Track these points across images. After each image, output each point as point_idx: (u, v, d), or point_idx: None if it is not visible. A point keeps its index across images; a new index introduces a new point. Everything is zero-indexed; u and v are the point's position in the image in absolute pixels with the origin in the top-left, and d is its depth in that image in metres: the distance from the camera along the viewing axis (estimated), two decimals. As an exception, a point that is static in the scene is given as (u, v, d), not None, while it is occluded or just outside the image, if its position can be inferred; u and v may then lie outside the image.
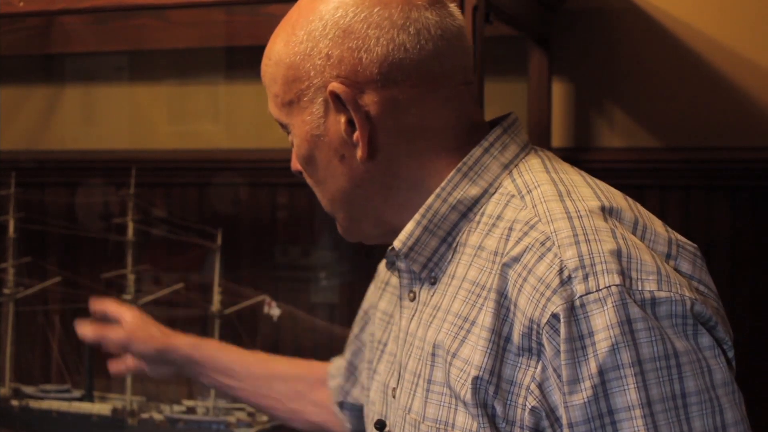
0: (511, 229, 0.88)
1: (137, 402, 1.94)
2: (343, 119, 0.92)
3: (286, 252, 1.94)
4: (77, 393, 1.99)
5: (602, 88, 1.72)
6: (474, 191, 0.93)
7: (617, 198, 0.90)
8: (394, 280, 1.07)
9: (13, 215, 2.05)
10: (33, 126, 2.13)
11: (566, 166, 0.96)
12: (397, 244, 0.95)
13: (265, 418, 1.87)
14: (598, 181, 0.93)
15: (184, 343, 1.32)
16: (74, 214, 2.07)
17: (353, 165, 0.94)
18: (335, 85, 0.91)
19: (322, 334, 1.92)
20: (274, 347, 1.92)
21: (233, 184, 1.98)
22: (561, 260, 0.81)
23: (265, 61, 0.98)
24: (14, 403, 1.98)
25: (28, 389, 2.01)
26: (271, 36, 0.97)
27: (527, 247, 0.84)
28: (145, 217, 1.99)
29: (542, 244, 0.84)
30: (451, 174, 0.93)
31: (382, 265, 1.18)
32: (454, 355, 0.88)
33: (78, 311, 2.03)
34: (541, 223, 0.85)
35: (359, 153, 0.92)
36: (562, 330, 0.79)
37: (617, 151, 1.72)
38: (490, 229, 0.90)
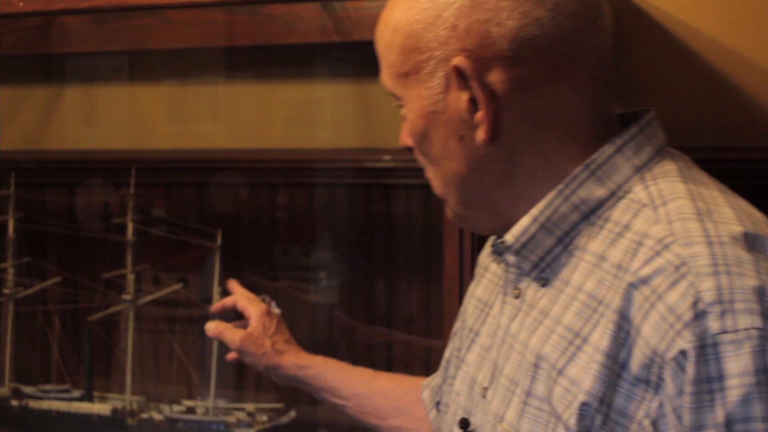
0: (640, 243, 0.80)
1: (137, 402, 1.94)
2: (465, 97, 0.84)
3: (286, 252, 1.94)
4: (77, 393, 1.99)
5: (602, 88, 1.72)
6: (600, 192, 0.85)
7: (761, 224, 0.81)
8: (495, 266, 1.00)
9: (13, 215, 2.04)
10: (33, 126, 2.13)
11: (705, 177, 0.88)
12: (509, 238, 0.88)
13: (265, 417, 1.87)
14: (740, 200, 0.85)
15: (290, 364, 1.29)
16: (74, 214, 2.07)
17: (472, 147, 0.86)
18: (460, 60, 0.83)
19: (321, 332, 1.92)
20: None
21: (233, 184, 1.98)
22: (697, 291, 0.74)
23: (381, 27, 0.90)
24: (14, 403, 1.98)
25: (28, 389, 2.01)
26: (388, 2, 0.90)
27: (658, 269, 0.77)
28: (145, 217, 1.99)
29: (676, 269, 0.76)
30: (578, 170, 0.85)
31: (484, 255, 1.11)
32: (560, 372, 0.81)
33: (78, 311, 2.03)
34: (677, 245, 0.77)
35: (480, 135, 0.85)
36: (690, 369, 0.72)
37: (617, 151, 1.72)
38: (615, 238, 0.82)
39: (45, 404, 1.97)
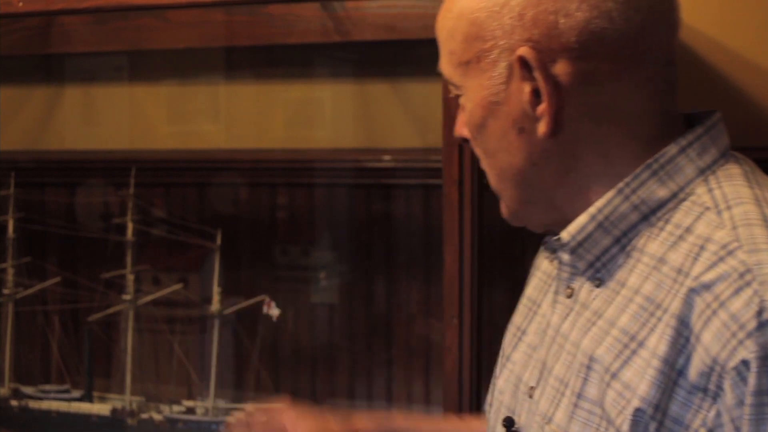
0: (702, 248, 0.78)
1: (137, 402, 1.94)
2: (527, 88, 0.82)
3: (286, 252, 1.94)
4: (77, 393, 1.99)
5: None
6: (662, 193, 0.83)
7: None
8: (546, 265, 0.98)
9: (13, 215, 2.04)
10: (33, 126, 2.13)
11: None
12: (564, 235, 0.86)
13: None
14: None
15: None
16: (74, 214, 2.07)
17: (532, 140, 0.84)
18: (525, 50, 0.81)
19: (321, 334, 1.92)
20: (273, 347, 1.92)
21: (233, 184, 1.98)
22: (762, 299, 0.72)
23: (444, 13, 0.88)
24: (14, 403, 1.98)
25: (28, 389, 2.01)
26: None
27: (722, 275, 0.74)
28: (145, 217, 1.99)
29: (741, 276, 0.74)
30: (639, 169, 0.83)
31: (541, 257, 1.08)
32: (613, 376, 0.79)
33: (78, 311, 2.03)
34: (742, 251, 0.75)
35: (541, 128, 0.83)
36: (752, 380, 0.70)
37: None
38: (675, 241, 0.80)
39: (45, 404, 1.97)
